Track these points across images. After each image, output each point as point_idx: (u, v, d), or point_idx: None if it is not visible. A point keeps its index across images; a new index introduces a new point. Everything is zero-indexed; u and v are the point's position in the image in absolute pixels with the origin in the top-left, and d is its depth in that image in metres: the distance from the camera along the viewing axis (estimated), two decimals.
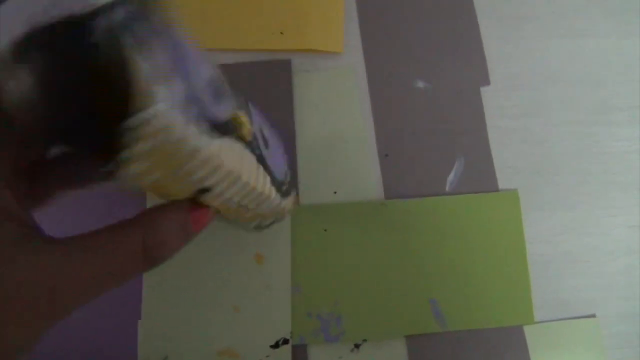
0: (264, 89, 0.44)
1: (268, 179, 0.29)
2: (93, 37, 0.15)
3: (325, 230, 0.42)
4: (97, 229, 0.22)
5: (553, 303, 0.42)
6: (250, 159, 0.26)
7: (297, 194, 0.37)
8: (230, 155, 0.24)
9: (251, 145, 0.26)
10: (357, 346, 0.41)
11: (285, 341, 0.41)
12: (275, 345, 0.41)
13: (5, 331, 0.20)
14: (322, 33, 0.45)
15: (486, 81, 0.45)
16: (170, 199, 0.25)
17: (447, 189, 0.43)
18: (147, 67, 0.17)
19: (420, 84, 0.45)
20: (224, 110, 0.23)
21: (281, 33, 0.44)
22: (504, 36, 0.46)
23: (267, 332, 0.41)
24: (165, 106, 0.18)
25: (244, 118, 0.25)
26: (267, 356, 0.40)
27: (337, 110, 0.44)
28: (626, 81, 0.45)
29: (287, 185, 0.33)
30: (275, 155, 0.31)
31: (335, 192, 0.43)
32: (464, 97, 0.45)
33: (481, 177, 0.44)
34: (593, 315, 0.42)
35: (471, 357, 0.41)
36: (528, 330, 0.42)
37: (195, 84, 0.21)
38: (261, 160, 0.28)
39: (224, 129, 0.23)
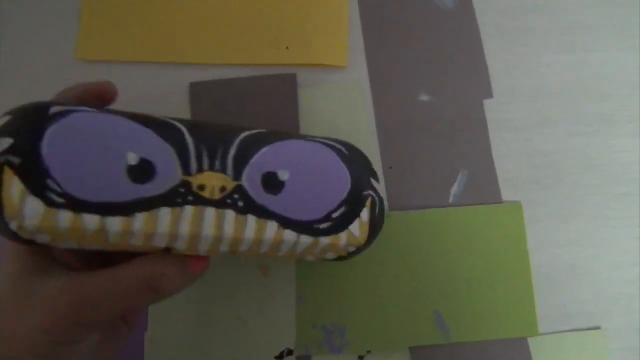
0: (270, 102, 0.45)
1: (270, 224, 0.29)
2: None
3: None
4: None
5: (557, 315, 0.42)
6: (218, 215, 0.27)
7: (372, 225, 0.33)
8: (170, 222, 0.26)
9: (223, 203, 0.27)
10: (361, 358, 0.41)
11: (290, 352, 0.41)
12: (280, 356, 0.41)
13: (43, 337, 0.26)
14: (327, 48, 0.46)
15: (489, 94, 0.45)
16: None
17: (450, 201, 0.44)
18: (15, 186, 0.23)
19: (424, 98, 0.45)
20: (155, 186, 0.26)
21: (287, 48, 0.45)
22: (507, 50, 0.46)
23: (272, 343, 0.41)
24: (33, 213, 0.23)
25: (210, 179, 0.27)
26: None
27: (341, 123, 0.45)
28: (629, 94, 0.46)
29: (332, 222, 0.31)
30: (305, 194, 0.30)
31: None
32: (467, 110, 0.45)
33: (485, 189, 0.44)
34: (598, 328, 0.42)
35: None
36: (532, 342, 0.42)
37: (98, 177, 0.25)
38: (251, 209, 0.28)
39: (158, 201, 0.26)
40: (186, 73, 0.45)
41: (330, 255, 0.32)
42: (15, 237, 0.25)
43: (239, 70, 0.45)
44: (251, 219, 0.28)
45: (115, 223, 0.25)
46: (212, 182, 0.27)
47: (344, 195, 0.31)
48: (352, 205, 0.31)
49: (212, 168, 0.28)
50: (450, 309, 0.42)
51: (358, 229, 0.31)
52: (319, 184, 0.31)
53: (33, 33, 0.46)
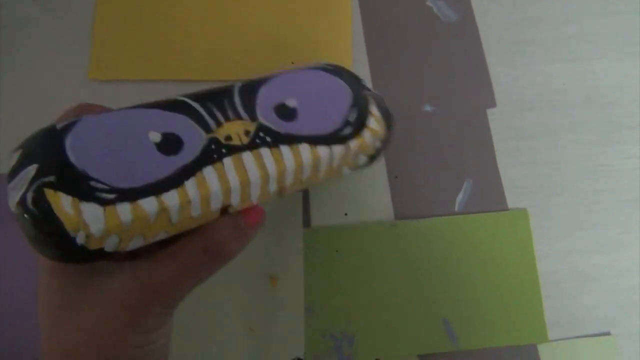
0: None
1: (302, 147, 0.30)
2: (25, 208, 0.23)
3: (337, 251, 0.43)
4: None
5: (567, 321, 0.42)
6: (255, 156, 0.28)
7: (384, 117, 0.35)
8: (218, 177, 0.26)
9: (253, 143, 0.28)
10: None
11: None
12: None
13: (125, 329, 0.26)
14: (332, 61, 0.47)
15: (492, 104, 0.46)
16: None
17: (456, 209, 0.44)
18: (64, 200, 0.23)
19: (428, 108, 0.46)
20: (187, 153, 0.27)
21: (292, 63, 0.46)
22: (509, 61, 0.47)
23: (281, 352, 0.42)
24: (95, 217, 0.23)
25: (232, 127, 0.28)
26: None
27: None
28: (632, 101, 0.46)
29: (351, 125, 0.32)
30: (317, 110, 0.32)
31: (346, 214, 0.44)
32: (471, 120, 0.46)
33: (490, 197, 0.44)
34: (608, 333, 0.42)
35: None
36: (542, 348, 0.42)
37: (133, 163, 0.25)
38: (280, 140, 0.29)
39: (197, 164, 0.26)
40: (195, 89, 0.46)
41: (363, 158, 0.34)
42: (81, 252, 0.24)
43: None
44: (284, 149, 0.29)
45: (172, 197, 0.25)
46: (235, 129, 0.28)
47: (350, 100, 0.33)
48: (360, 106, 0.33)
49: (227, 119, 0.28)
50: (458, 316, 0.42)
51: (374, 122, 0.33)
52: (324, 99, 0.32)
53: (48, 55, 0.48)
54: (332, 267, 0.43)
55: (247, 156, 0.28)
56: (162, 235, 0.27)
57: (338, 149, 0.31)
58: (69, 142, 0.25)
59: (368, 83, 0.46)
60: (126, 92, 0.46)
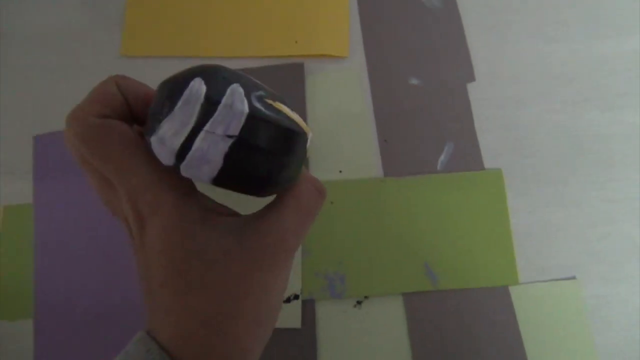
0: (281, 88, 0.52)
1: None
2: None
3: (332, 202, 0.49)
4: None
5: (536, 267, 0.47)
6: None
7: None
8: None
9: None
10: (359, 302, 0.47)
11: (296, 297, 0.47)
12: (287, 301, 0.47)
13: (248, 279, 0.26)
14: (330, 41, 0.53)
15: (472, 78, 0.52)
16: None
17: (438, 168, 0.50)
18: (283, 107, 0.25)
19: (414, 81, 0.52)
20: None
21: (295, 42, 0.53)
22: (487, 41, 0.53)
23: None
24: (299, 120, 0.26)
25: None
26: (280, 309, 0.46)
27: (343, 104, 0.52)
28: (596, 77, 0.52)
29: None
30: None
31: (340, 171, 0.50)
32: (452, 92, 0.52)
33: (469, 159, 0.50)
34: (573, 278, 0.47)
35: (462, 313, 0.46)
36: (513, 290, 0.47)
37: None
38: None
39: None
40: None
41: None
42: (303, 151, 0.26)
43: (256, 61, 0.53)
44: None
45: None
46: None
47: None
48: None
49: None
50: (438, 260, 0.47)
51: None
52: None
53: (81, 34, 0.55)
54: (327, 216, 0.49)
55: None
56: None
57: None
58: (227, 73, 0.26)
59: (362, 60, 0.53)
60: (154, 67, 0.53)
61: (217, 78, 0.24)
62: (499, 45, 0.53)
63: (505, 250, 0.48)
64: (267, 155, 0.24)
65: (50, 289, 0.49)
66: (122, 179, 0.25)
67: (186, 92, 0.23)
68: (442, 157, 0.50)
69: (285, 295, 0.47)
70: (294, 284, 0.47)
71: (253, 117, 0.23)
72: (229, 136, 0.23)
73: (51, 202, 0.51)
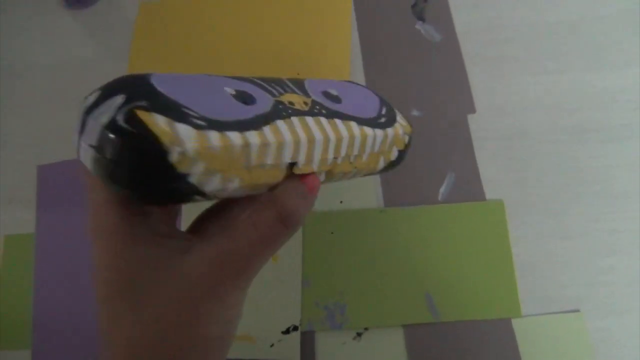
0: None
1: (352, 124, 0.31)
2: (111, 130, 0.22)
3: (332, 233, 0.49)
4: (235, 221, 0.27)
5: (539, 299, 0.47)
6: (316, 121, 0.29)
7: (408, 121, 0.38)
8: (289, 130, 0.27)
9: (312, 111, 0.30)
10: (359, 334, 0.46)
11: (295, 328, 0.46)
12: (287, 331, 0.46)
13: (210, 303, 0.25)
14: (332, 73, 0.54)
15: (472, 109, 0.52)
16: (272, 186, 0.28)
17: (439, 199, 0.50)
18: (159, 118, 0.23)
19: (415, 113, 0.53)
20: (260, 106, 0.27)
21: (297, 74, 0.54)
22: (487, 73, 0.54)
23: (279, 319, 0.47)
24: (188, 136, 0.23)
25: (293, 97, 0.30)
26: (279, 340, 0.46)
27: None
28: (597, 108, 0.52)
29: (385, 117, 0.35)
30: (355, 102, 0.35)
31: (341, 202, 0.50)
32: (453, 123, 0.52)
33: (470, 189, 0.50)
34: (577, 310, 0.46)
35: (463, 346, 0.45)
36: (516, 323, 0.46)
37: (216, 104, 0.26)
38: (333, 114, 0.31)
39: (270, 116, 0.27)
40: None
41: (395, 151, 0.36)
42: (166, 181, 0.23)
43: None
44: (338, 122, 0.31)
45: (253, 137, 0.25)
46: (295, 98, 0.30)
47: (379, 100, 0.37)
48: (388, 106, 0.37)
49: (286, 92, 0.30)
50: (440, 291, 0.47)
51: (403, 119, 0.37)
52: (358, 96, 0.36)
53: (88, 67, 0.57)
54: (328, 247, 0.48)
55: (310, 120, 0.29)
56: (235, 184, 0.26)
57: (379, 132, 0.33)
58: (154, 80, 0.25)
59: None
60: None
61: (136, 86, 0.24)
62: (499, 77, 0.54)
63: (507, 281, 0.47)
64: (117, 167, 0.22)
65: (49, 319, 0.49)
66: (88, 201, 0.26)
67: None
68: (442, 188, 0.50)
69: (284, 326, 0.46)
70: (293, 315, 0.47)
71: (106, 129, 0.22)
72: (90, 146, 0.23)
73: (53, 231, 0.51)
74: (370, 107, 0.35)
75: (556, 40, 0.55)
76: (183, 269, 0.25)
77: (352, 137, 0.31)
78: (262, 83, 0.30)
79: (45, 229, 0.51)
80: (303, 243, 0.49)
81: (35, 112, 0.56)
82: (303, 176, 0.29)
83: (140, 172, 0.22)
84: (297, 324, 0.46)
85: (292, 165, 0.28)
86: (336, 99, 0.33)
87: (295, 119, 0.28)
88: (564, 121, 0.52)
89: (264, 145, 0.25)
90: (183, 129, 0.23)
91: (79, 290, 0.49)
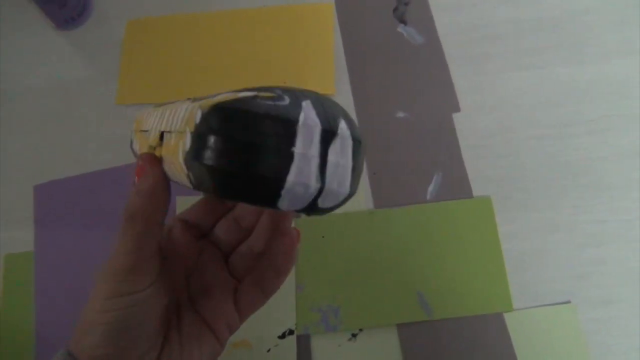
0: None
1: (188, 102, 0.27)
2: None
3: (323, 237, 0.50)
4: None
5: (530, 292, 0.47)
6: (184, 103, 0.27)
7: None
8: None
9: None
10: (354, 335, 0.47)
11: (291, 332, 0.47)
12: (282, 336, 0.47)
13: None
14: (317, 79, 0.55)
15: (457, 108, 0.53)
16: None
17: (427, 198, 0.50)
18: None
19: (401, 114, 0.53)
20: None
21: (284, 82, 0.55)
22: (470, 72, 0.55)
23: (275, 324, 0.47)
24: None
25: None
26: (276, 345, 0.47)
27: None
28: (579, 101, 0.53)
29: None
30: None
31: None
32: (438, 123, 0.53)
33: (458, 187, 0.51)
34: (568, 302, 0.47)
35: (457, 342, 0.46)
36: (508, 317, 0.46)
37: None
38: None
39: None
40: None
41: (188, 135, 0.25)
42: None
43: None
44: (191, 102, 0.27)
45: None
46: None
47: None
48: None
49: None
50: (431, 289, 0.47)
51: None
52: None
53: (80, 87, 0.58)
54: (319, 251, 0.49)
55: (187, 102, 0.27)
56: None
57: (189, 105, 0.26)
58: None
59: (349, 95, 0.55)
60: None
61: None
62: (482, 75, 0.55)
63: (497, 276, 0.48)
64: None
65: (51, 336, 0.50)
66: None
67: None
68: (431, 187, 0.51)
69: (280, 331, 0.47)
70: (289, 319, 0.47)
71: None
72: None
73: (52, 249, 0.52)
74: None
75: (537, 37, 0.56)
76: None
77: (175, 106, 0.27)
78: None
79: (44, 246, 0.52)
80: None
81: (30, 133, 0.57)
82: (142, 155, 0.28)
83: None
84: (292, 328, 0.47)
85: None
86: None
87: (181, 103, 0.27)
88: (547, 115, 0.52)
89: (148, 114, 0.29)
90: None
91: (80, 306, 0.50)
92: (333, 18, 0.59)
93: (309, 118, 0.21)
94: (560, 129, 0.52)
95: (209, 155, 0.21)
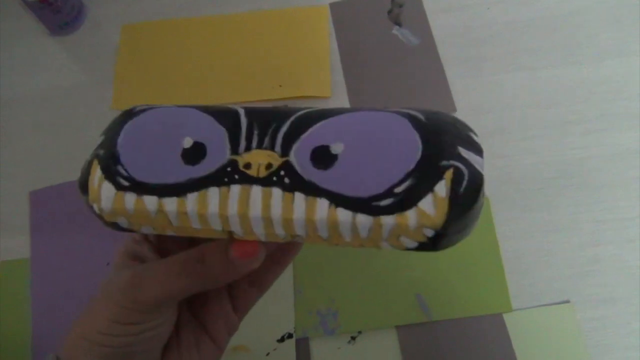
0: None
1: (320, 201, 0.25)
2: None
3: None
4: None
5: (529, 293, 0.47)
6: (265, 194, 0.25)
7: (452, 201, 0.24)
8: (219, 201, 0.25)
9: (270, 179, 0.25)
10: (353, 338, 0.47)
11: (290, 336, 0.47)
12: (281, 340, 0.47)
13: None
14: (313, 82, 0.55)
15: (452, 109, 0.53)
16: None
17: None
18: (97, 173, 0.27)
19: None
20: (205, 166, 0.26)
21: (280, 86, 0.55)
22: (465, 73, 0.55)
23: (274, 328, 0.47)
24: (107, 196, 0.27)
25: (257, 157, 0.26)
26: (275, 349, 0.46)
27: None
28: (575, 101, 0.53)
29: (398, 197, 0.24)
30: (363, 167, 0.25)
31: None
32: None
33: None
34: (567, 302, 0.46)
35: (457, 343, 0.46)
36: (507, 317, 0.46)
37: (158, 161, 0.27)
38: (298, 186, 0.25)
39: (207, 181, 0.26)
40: None
41: (408, 241, 0.25)
42: (101, 218, 0.27)
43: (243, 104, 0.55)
44: (299, 197, 0.25)
45: (171, 203, 0.26)
46: (258, 159, 0.26)
47: (411, 165, 0.25)
48: (423, 178, 0.24)
49: (260, 146, 0.26)
50: (430, 291, 0.47)
51: (432, 205, 0.24)
52: (379, 155, 0.25)
53: (75, 93, 0.58)
54: (317, 254, 0.49)
55: (256, 191, 0.25)
56: (170, 232, 0.27)
57: (363, 220, 0.24)
58: (126, 127, 0.28)
59: (345, 98, 0.55)
60: None
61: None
62: (478, 76, 0.55)
63: (496, 277, 0.48)
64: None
65: (48, 344, 0.49)
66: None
67: None
68: None
69: (279, 335, 0.47)
70: (288, 323, 0.47)
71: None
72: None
73: (47, 255, 0.52)
74: (383, 178, 0.25)
75: (531, 37, 0.56)
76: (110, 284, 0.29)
77: (311, 220, 0.25)
78: (242, 128, 0.27)
79: (40, 253, 0.52)
80: None
81: (26, 139, 0.57)
82: (239, 242, 0.27)
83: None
84: (291, 331, 0.47)
85: (230, 232, 0.27)
86: (328, 161, 0.25)
87: (236, 188, 0.25)
88: (543, 116, 0.53)
89: (183, 213, 0.26)
90: (106, 189, 0.26)
91: (77, 312, 0.50)
92: (328, 21, 0.59)
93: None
94: (555, 128, 0.52)
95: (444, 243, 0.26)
